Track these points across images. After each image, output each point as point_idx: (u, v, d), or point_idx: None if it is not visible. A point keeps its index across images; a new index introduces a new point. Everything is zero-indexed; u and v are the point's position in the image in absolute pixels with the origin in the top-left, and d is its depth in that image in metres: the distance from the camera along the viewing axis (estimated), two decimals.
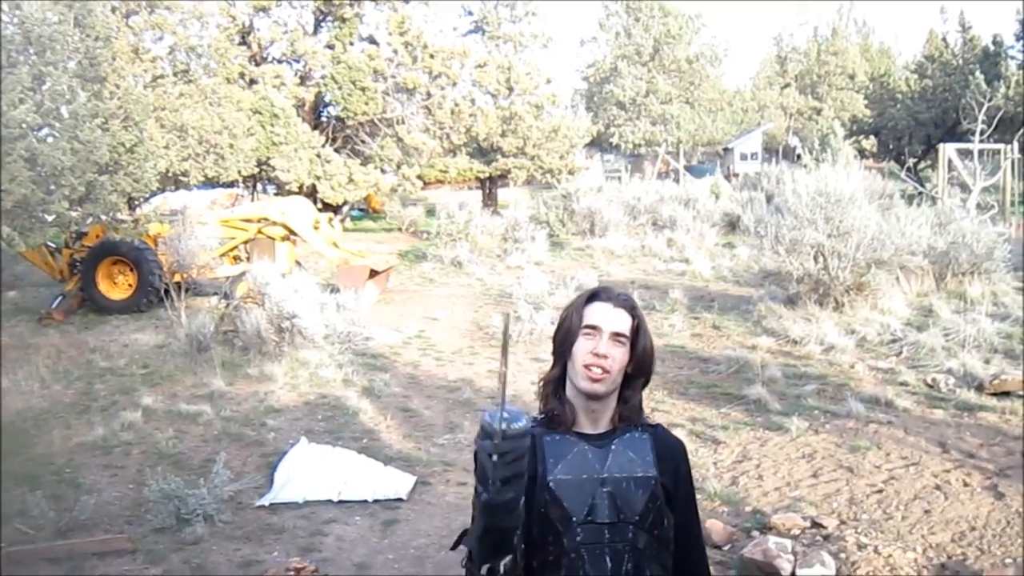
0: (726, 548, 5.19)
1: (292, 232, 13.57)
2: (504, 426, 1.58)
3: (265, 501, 6.28)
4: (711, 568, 2.22)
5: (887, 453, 6.55)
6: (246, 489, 6.47)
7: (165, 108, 17.65)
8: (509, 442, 1.59)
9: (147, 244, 13.13)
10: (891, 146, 33.40)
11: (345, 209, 24.14)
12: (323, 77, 24.16)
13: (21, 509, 5.75)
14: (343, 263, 13.46)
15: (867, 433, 7.00)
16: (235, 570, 5.26)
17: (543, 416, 2.07)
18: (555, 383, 2.06)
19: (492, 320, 11.27)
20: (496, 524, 1.64)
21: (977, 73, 26.19)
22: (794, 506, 5.76)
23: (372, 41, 25.15)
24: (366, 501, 6.27)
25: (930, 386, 8.06)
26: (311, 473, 6.54)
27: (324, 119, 25.62)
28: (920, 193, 19.12)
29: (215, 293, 12.61)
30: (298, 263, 14.12)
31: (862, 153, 32.43)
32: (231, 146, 18.64)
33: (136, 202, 16.03)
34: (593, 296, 2.06)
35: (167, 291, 10.96)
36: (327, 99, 24.79)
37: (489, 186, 28.83)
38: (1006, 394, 7.55)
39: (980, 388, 7.77)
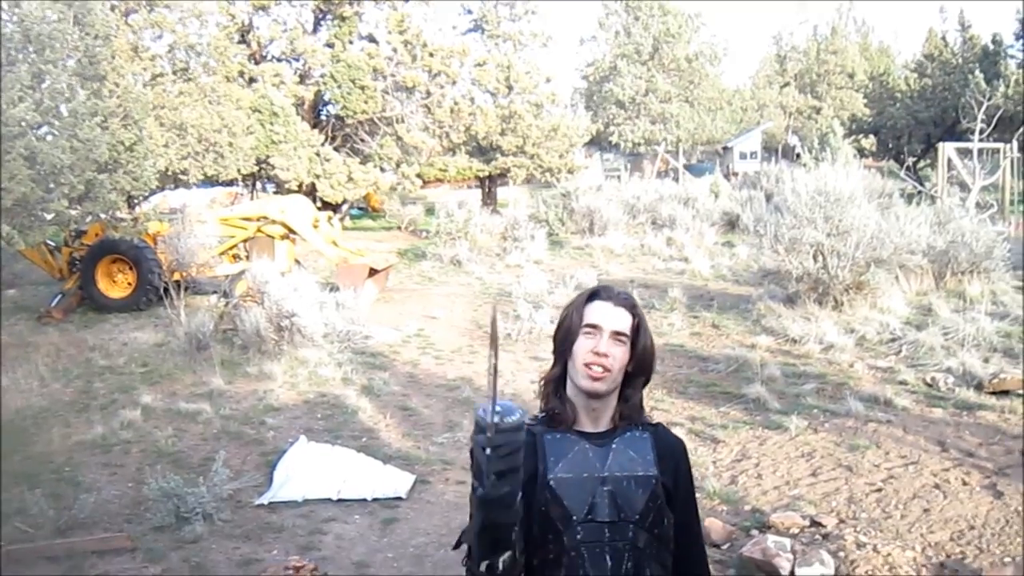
0: (725, 547, 5.20)
1: (291, 231, 13.56)
2: (497, 419, 1.59)
3: (264, 500, 6.28)
4: (710, 567, 2.22)
5: (886, 452, 6.55)
6: (245, 487, 6.47)
7: (164, 106, 17.66)
8: (503, 435, 1.59)
9: (146, 242, 13.13)
10: (890, 145, 33.41)
11: (344, 208, 24.14)
12: (322, 76, 24.17)
13: (20, 507, 5.75)
14: (342, 262, 13.45)
15: (866, 432, 7.00)
16: (234, 568, 5.26)
17: (544, 415, 2.07)
18: (556, 382, 2.06)
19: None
20: (493, 519, 1.64)
21: (976, 72, 26.19)
22: (793, 505, 5.76)
23: (371, 40, 25.16)
24: (365, 500, 6.28)
25: (929, 385, 8.06)
26: (310, 472, 6.55)
27: (323, 118, 25.62)
28: (919, 192, 19.13)
29: (214, 291, 12.62)
30: (297, 262, 14.11)
31: (861, 152, 32.43)
32: (230, 144, 18.64)
33: (135, 200, 16.04)
34: (593, 295, 2.06)
35: (166, 289, 10.96)
36: (326, 98, 24.80)
37: (488, 185, 28.83)
38: (1005, 393, 7.55)
39: (979, 387, 7.78)
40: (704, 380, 8.94)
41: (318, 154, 22.35)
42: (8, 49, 9.29)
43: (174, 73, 19.54)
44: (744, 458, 6.76)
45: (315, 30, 25.23)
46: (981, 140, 20.24)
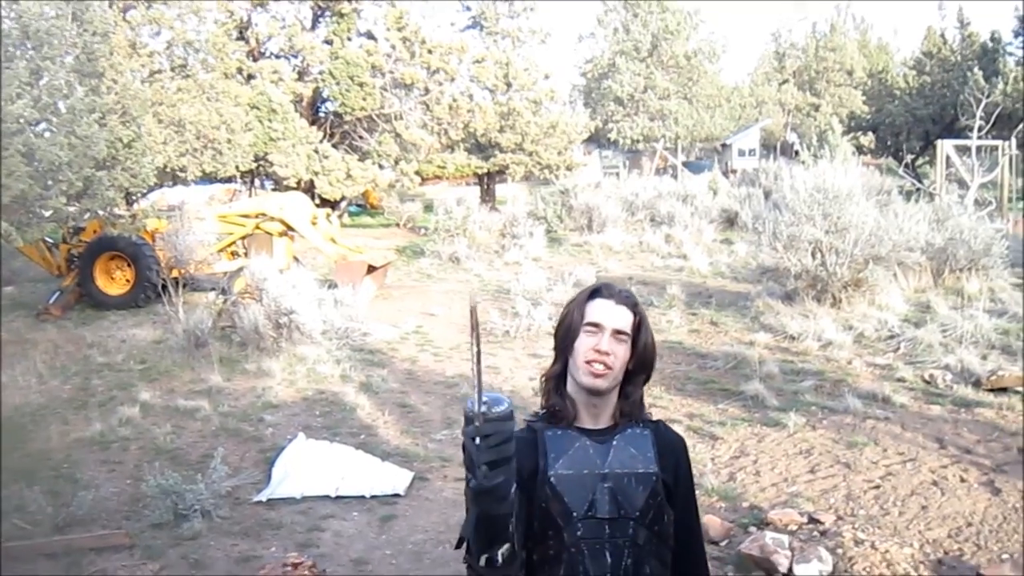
0: (723, 544, 5.21)
1: (290, 228, 13.56)
2: (485, 409, 1.59)
3: (263, 497, 6.29)
4: (708, 564, 2.23)
5: (884, 449, 6.56)
6: (244, 485, 6.48)
7: (163, 103, 17.63)
8: (491, 425, 1.59)
9: (145, 239, 13.12)
10: (889, 142, 33.38)
11: (343, 205, 24.13)
12: (321, 72, 24.15)
13: (19, 504, 5.75)
14: (341, 259, 13.44)
15: (864, 429, 7.01)
16: (232, 565, 5.26)
17: (545, 411, 2.07)
18: (556, 378, 2.06)
19: (490, 316, 11.26)
20: (488, 511, 1.63)
21: (975, 69, 26.16)
22: (791, 502, 5.77)
23: (370, 36, 25.13)
24: (364, 497, 6.28)
25: (927, 382, 8.07)
26: (309, 469, 6.55)
27: (322, 115, 25.60)
28: (918, 189, 19.12)
29: (213, 288, 12.61)
30: (296, 259, 14.11)
31: (860, 149, 32.41)
32: (229, 141, 18.62)
33: (134, 197, 16.03)
34: (595, 293, 2.06)
35: (164, 287, 10.95)
36: (325, 94, 24.78)
37: (487, 182, 28.82)
38: (1003, 390, 7.56)
39: (977, 384, 7.78)
40: (702, 377, 8.95)
41: (316, 151, 22.32)
42: (6, 46, 9.28)
43: (172, 70, 19.51)
44: (742, 455, 6.76)
45: (314, 27, 25.21)
46: (980, 137, 20.25)
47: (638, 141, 39.01)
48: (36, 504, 5.80)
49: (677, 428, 2.18)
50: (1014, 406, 7.18)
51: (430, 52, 24.12)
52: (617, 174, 29.99)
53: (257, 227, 13.64)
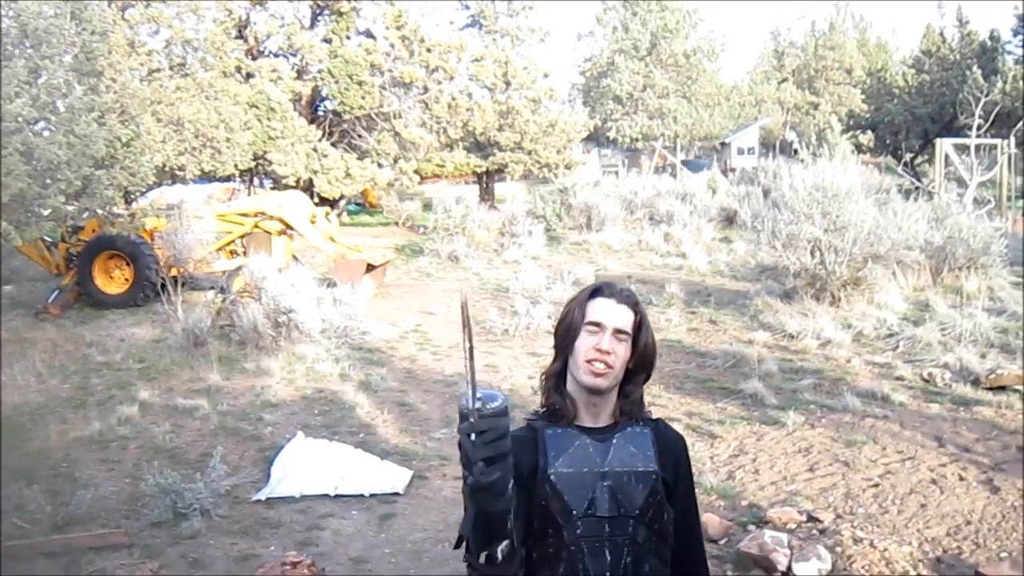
0: (722, 542, 5.21)
1: (289, 226, 13.55)
2: (479, 405, 1.59)
3: (262, 495, 6.29)
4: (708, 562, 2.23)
5: (883, 447, 6.57)
6: (243, 483, 6.48)
7: (161, 102, 17.61)
8: (486, 421, 1.59)
9: (143, 238, 13.11)
10: (888, 141, 33.40)
11: (342, 203, 24.12)
12: (320, 71, 24.12)
13: (18, 504, 5.75)
14: (340, 257, 13.44)
15: (863, 427, 7.01)
16: (232, 564, 5.26)
17: (544, 410, 2.08)
18: (556, 377, 2.07)
19: (489, 315, 11.26)
20: (486, 507, 1.63)
21: (974, 68, 26.17)
22: (790, 500, 5.77)
23: (369, 35, 25.11)
24: (363, 495, 6.28)
25: (926, 381, 8.07)
26: (308, 467, 6.55)
27: (321, 113, 25.58)
28: (917, 188, 19.14)
29: (212, 287, 12.60)
30: (295, 257, 14.10)
31: (859, 148, 32.40)
32: (228, 140, 18.60)
33: (132, 196, 16.01)
34: (596, 292, 2.06)
35: (163, 285, 10.94)
36: (324, 93, 24.76)
37: (486, 180, 28.80)
38: (1002, 389, 7.56)
39: (976, 383, 7.79)
40: (701, 376, 8.95)
41: (315, 150, 22.31)
42: (5, 44, 9.27)
43: (171, 69, 19.48)
44: (741, 453, 6.77)
45: (312, 25, 25.18)
46: (978, 136, 20.27)
47: (637, 140, 39.00)
48: (35, 503, 5.80)
49: (676, 427, 2.18)
50: (1013, 404, 7.19)
51: (429, 51, 24.10)
52: (616, 173, 29.96)
53: (256, 226, 13.63)
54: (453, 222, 18.04)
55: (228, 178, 23.68)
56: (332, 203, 21.97)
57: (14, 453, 6.24)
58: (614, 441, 2.01)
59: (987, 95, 21.61)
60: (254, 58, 24.09)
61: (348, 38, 24.58)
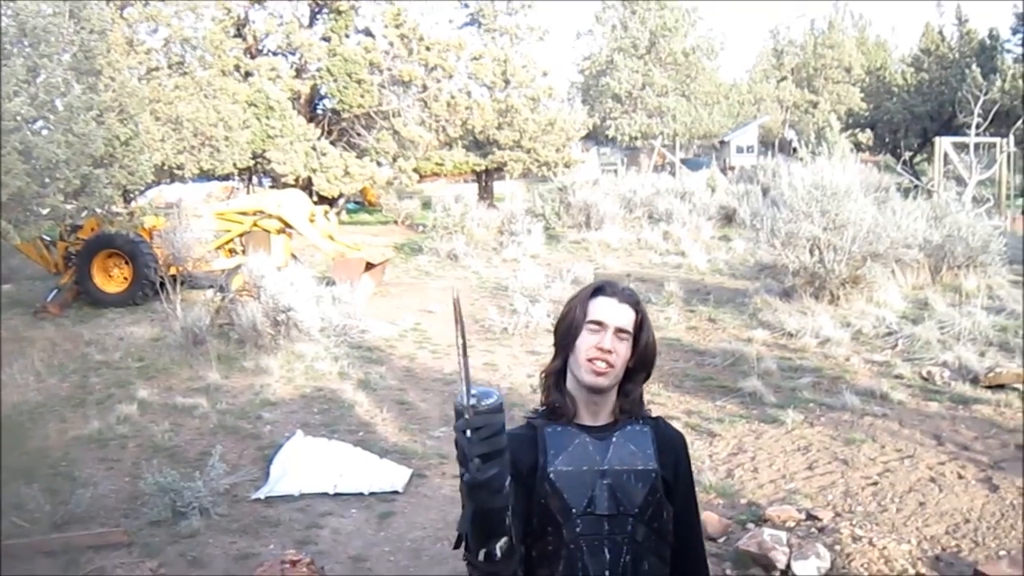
0: (721, 540, 5.21)
1: (288, 225, 13.54)
2: (474, 402, 1.59)
3: (261, 494, 6.28)
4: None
5: (882, 446, 6.57)
6: (242, 482, 6.47)
7: (160, 101, 17.57)
8: (481, 417, 1.60)
9: (142, 237, 13.10)
10: (887, 139, 33.41)
11: (341, 202, 24.13)
12: (319, 70, 24.10)
13: (17, 503, 5.74)
14: (339, 256, 13.44)
15: (862, 426, 7.02)
16: (231, 563, 5.26)
17: (544, 408, 2.08)
18: (556, 375, 2.07)
19: (488, 313, 11.27)
20: (483, 505, 1.63)
21: (973, 67, 26.19)
22: (789, 498, 5.78)
23: (368, 33, 25.10)
24: (362, 494, 6.28)
25: (925, 379, 8.08)
26: (307, 466, 6.55)
27: (320, 112, 25.57)
28: (916, 186, 19.15)
29: (211, 286, 12.60)
30: (294, 256, 14.09)
31: (858, 146, 32.42)
32: (226, 139, 18.57)
33: (131, 195, 15.98)
34: (598, 290, 2.06)
35: (162, 284, 10.94)
36: (323, 92, 24.74)
37: (485, 179, 28.81)
38: (1001, 387, 7.57)
39: (975, 381, 7.79)
40: (700, 374, 8.95)
41: (314, 148, 22.30)
42: (3, 43, 9.25)
43: (169, 67, 19.44)
44: (740, 452, 6.77)
45: (311, 24, 25.16)
46: (978, 135, 20.28)
47: (636, 138, 39.02)
48: (34, 502, 5.79)
49: (675, 425, 2.18)
50: (1012, 403, 7.20)
51: (428, 49, 24.09)
52: (615, 171, 29.99)
53: (255, 224, 13.63)
54: (452, 220, 18.04)
55: (227, 177, 23.64)
56: (331, 201, 21.98)
57: (13, 452, 6.23)
58: (614, 439, 2.01)
59: (986, 93, 21.64)
60: (253, 57, 24.07)
61: (347, 36, 24.57)
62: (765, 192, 19.14)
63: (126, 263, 13.08)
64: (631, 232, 18.86)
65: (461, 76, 25.87)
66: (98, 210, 11.44)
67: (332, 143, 23.32)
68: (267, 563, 5.07)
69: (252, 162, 21.82)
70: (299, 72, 24.56)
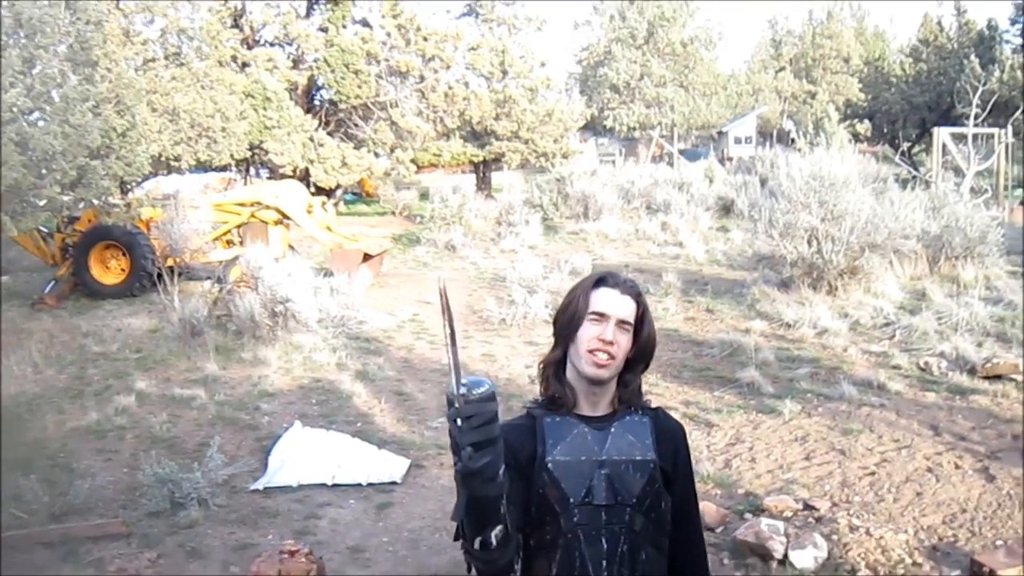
0: (719, 530, 5.22)
1: (285, 216, 13.53)
2: (464, 391, 1.59)
3: (259, 485, 6.29)
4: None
5: (879, 436, 6.58)
6: (240, 473, 6.48)
7: (157, 92, 17.55)
8: (472, 406, 1.60)
9: (140, 228, 13.08)
10: (885, 130, 33.38)
11: (338, 193, 24.07)
12: (316, 60, 24.02)
13: (16, 494, 5.75)
14: (337, 247, 13.43)
15: (860, 416, 7.03)
16: (229, 553, 5.27)
17: (544, 398, 2.08)
18: (556, 365, 2.07)
19: (486, 304, 11.27)
20: (477, 493, 1.63)
21: (972, 57, 26.16)
22: (787, 488, 5.79)
23: (365, 24, 25.01)
24: (360, 484, 6.29)
25: (923, 369, 8.09)
26: (305, 457, 6.55)
27: (317, 103, 25.49)
28: (914, 177, 19.13)
29: (208, 277, 12.58)
30: (291, 247, 14.09)
31: (856, 137, 32.38)
32: (223, 130, 18.55)
33: (128, 186, 15.94)
34: (600, 281, 2.06)
35: (160, 275, 10.93)
36: (320, 82, 24.66)
37: (483, 170, 28.76)
38: (998, 377, 7.58)
39: (972, 371, 7.80)
40: (698, 364, 8.96)
41: (312, 139, 22.25)
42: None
43: (166, 58, 19.41)
44: (738, 442, 6.78)
45: (308, 14, 25.07)
46: (976, 125, 20.27)
47: (634, 129, 38.98)
48: (33, 493, 5.80)
49: (673, 415, 2.18)
50: (1009, 393, 7.21)
51: (425, 39, 24.01)
52: (613, 162, 29.98)
53: (252, 216, 13.61)
54: (450, 211, 18.03)
55: (224, 168, 23.63)
56: (329, 192, 21.92)
57: (11, 444, 6.23)
58: (612, 430, 2.02)
59: (984, 84, 21.63)
60: (250, 47, 23.99)
61: (344, 27, 24.48)
62: (763, 183, 19.12)
63: (123, 254, 13.07)
64: (629, 223, 18.86)
65: (459, 67, 25.79)
66: (95, 201, 11.43)
67: (330, 134, 23.27)
68: (265, 553, 5.08)
69: (249, 153, 21.77)
70: (296, 63, 24.48)
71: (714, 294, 11.71)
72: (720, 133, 43.08)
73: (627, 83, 38.37)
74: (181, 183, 20.72)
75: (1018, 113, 21.99)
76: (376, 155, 23.37)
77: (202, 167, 20.99)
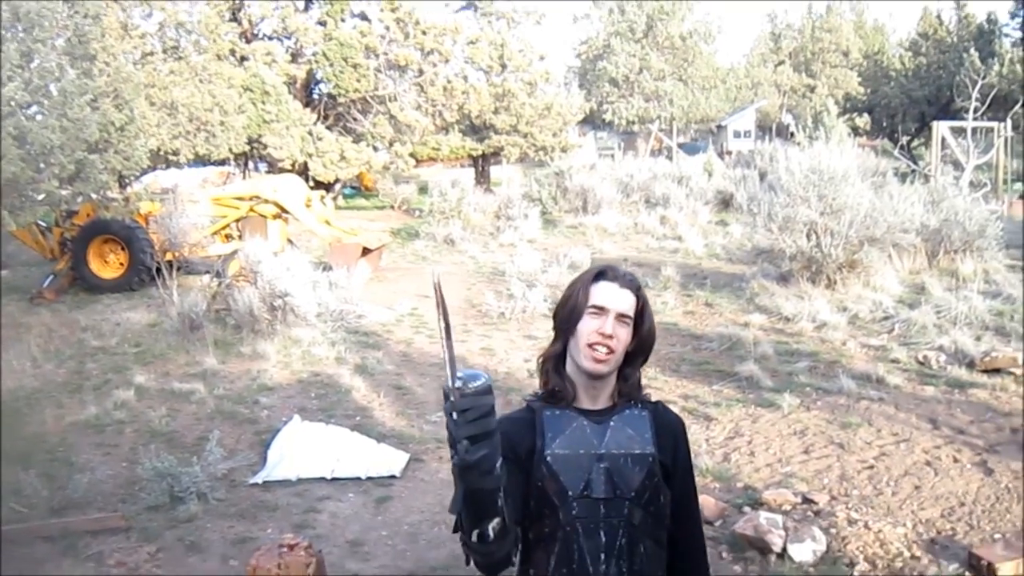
0: (718, 524, 5.23)
1: (284, 210, 13.52)
2: (460, 384, 1.59)
3: (258, 479, 6.30)
4: None
5: (878, 429, 6.59)
6: (239, 467, 6.48)
7: (155, 86, 17.50)
8: (468, 399, 1.60)
9: (138, 223, 13.07)
10: (885, 124, 33.39)
11: (337, 187, 24.06)
12: (314, 54, 23.98)
13: (15, 488, 5.75)
14: (335, 241, 13.43)
15: (858, 410, 7.04)
16: (228, 547, 5.28)
17: (543, 392, 2.08)
18: (555, 359, 2.07)
19: (485, 298, 11.27)
20: (473, 486, 1.63)
21: (971, 51, 26.17)
22: (785, 482, 5.80)
23: (364, 18, 24.95)
24: (359, 478, 6.29)
25: (921, 363, 8.09)
26: (304, 451, 6.56)
27: (316, 96, 25.45)
28: (913, 171, 19.14)
29: (207, 271, 12.59)
30: (290, 241, 14.09)
31: (855, 131, 32.40)
32: (222, 124, 18.51)
33: (127, 180, 15.92)
34: (599, 275, 2.05)
35: (158, 270, 10.93)
36: (319, 76, 24.63)
37: (482, 164, 28.75)
38: (996, 371, 7.58)
39: (971, 365, 7.81)
40: (697, 358, 8.96)
41: (310, 133, 22.21)
42: None
43: (164, 52, 19.36)
44: (737, 436, 6.79)
45: (307, 8, 25.01)
46: (975, 119, 20.25)
47: (633, 122, 38.96)
48: (32, 487, 5.80)
49: (672, 409, 2.18)
50: (1007, 387, 7.21)
51: (424, 33, 23.96)
52: (612, 156, 29.93)
53: (251, 210, 13.61)
54: (449, 205, 18.02)
55: (223, 162, 23.56)
56: (327, 186, 21.92)
57: (11, 438, 6.25)
58: (612, 423, 2.02)
59: (984, 78, 21.62)
60: (248, 41, 23.93)
61: (343, 21, 24.42)
62: (762, 176, 19.11)
63: (122, 249, 13.06)
64: (628, 217, 18.85)
65: (457, 60, 25.75)
66: (93, 196, 11.39)
67: (328, 128, 23.23)
68: (265, 547, 5.08)
69: (248, 147, 21.75)
70: (295, 57, 24.43)
71: (713, 288, 11.72)
72: (719, 127, 43.05)
73: (626, 77, 38.34)
74: (180, 177, 20.71)
75: (1017, 107, 21.97)
76: (375, 149, 23.34)
77: (200, 161, 20.96)
